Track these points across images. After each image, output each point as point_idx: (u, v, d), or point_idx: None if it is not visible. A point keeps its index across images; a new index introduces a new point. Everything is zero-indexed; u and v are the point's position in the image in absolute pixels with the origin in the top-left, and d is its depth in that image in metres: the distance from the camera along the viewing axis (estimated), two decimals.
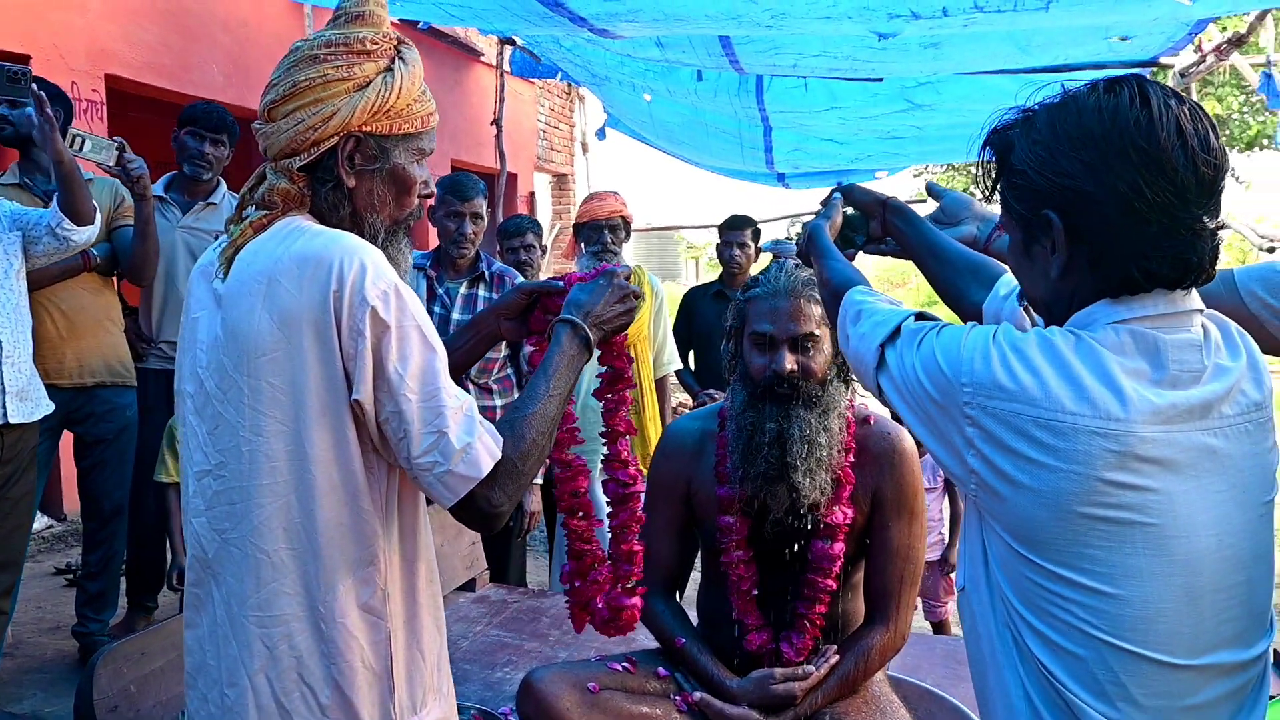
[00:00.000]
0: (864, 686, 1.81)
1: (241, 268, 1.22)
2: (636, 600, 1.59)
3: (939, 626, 3.55)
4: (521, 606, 2.73)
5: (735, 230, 4.21)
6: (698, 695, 1.78)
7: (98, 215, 2.85)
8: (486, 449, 1.19)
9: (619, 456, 1.61)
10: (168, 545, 3.50)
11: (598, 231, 3.39)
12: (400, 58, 1.28)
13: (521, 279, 3.17)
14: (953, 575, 3.58)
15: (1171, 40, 4.68)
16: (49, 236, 2.75)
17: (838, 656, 1.78)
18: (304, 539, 1.19)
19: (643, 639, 2.36)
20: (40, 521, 4.44)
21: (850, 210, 1.57)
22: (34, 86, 2.49)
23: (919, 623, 3.78)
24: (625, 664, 1.84)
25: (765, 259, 4.57)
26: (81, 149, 2.81)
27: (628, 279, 1.47)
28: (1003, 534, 1.02)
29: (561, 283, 1.53)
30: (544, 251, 3.76)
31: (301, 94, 1.23)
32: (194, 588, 1.27)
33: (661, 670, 1.85)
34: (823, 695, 1.76)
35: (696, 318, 4.20)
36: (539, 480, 3.17)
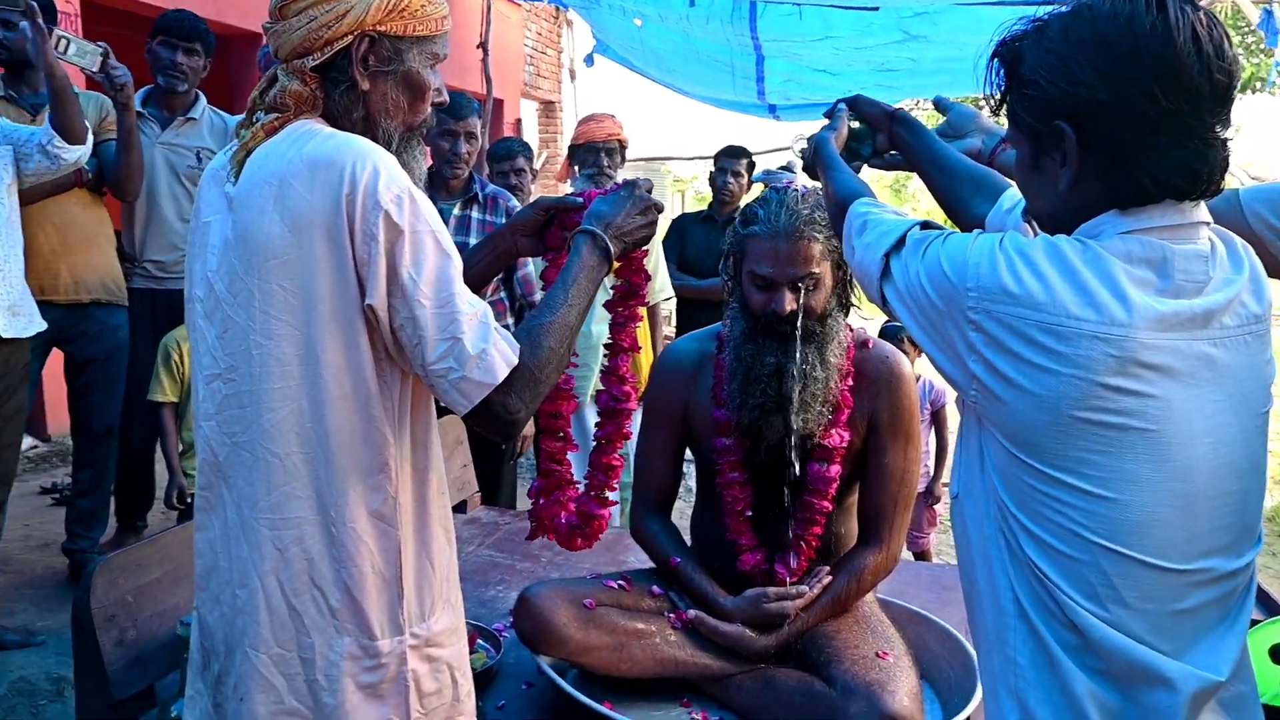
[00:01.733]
0: (855, 606, 1.84)
1: (253, 170, 1.19)
2: (606, 512, 1.60)
3: (920, 556, 3.62)
4: (513, 528, 2.75)
5: (731, 158, 4.21)
6: (692, 613, 1.80)
7: (90, 134, 2.77)
8: (502, 355, 1.19)
9: (618, 371, 1.61)
10: (156, 467, 3.49)
11: (594, 154, 3.34)
12: None
13: (514, 200, 3.13)
14: (936, 507, 3.64)
15: None
16: (40, 154, 2.67)
17: (830, 577, 1.80)
18: (315, 443, 1.18)
19: (635, 560, 2.40)
20: (25, 441, 4.40)
21: (856, 123, 1.54)
22: None
23: None
24: (620, 582, 1.86)
25: (757, 189, 4.54)
26: (66, 52, 2.72)
27: (649, 191, 1.45)
28: (1001, 439, 1.03)
29: (580, 199, 1.50)
30: (534, 176, 3.70)
31: None
32: (205, 491, 1.27)
33: (656, 589, 1.88)
34: (814, 614, 1.78)
35: (688, 243, 4.20)
36: None
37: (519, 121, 9.81)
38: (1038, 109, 1.03)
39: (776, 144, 9.82)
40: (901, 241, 1.13)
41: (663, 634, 1.78)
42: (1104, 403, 0.96)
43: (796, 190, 1.74)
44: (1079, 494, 0.98)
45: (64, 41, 2.68)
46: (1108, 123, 0.98)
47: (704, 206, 4.34)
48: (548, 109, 10.84)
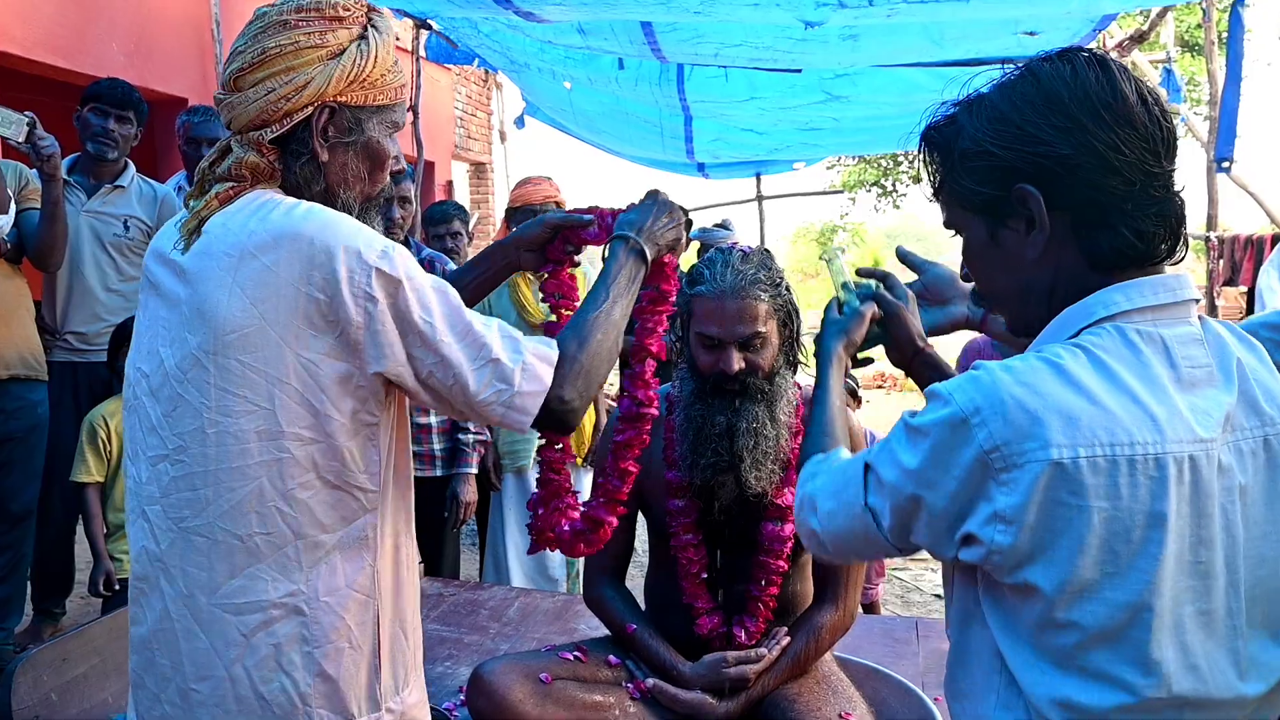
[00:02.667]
0: (814, 666, 1.83)
1: (209, 242, 1.16)
2: (613, 519, 1.57)
3: (869, 608, 3.62)
4: (458, 599, 2.67)
5: None
6: (650, 682, 1.76)
7: (11, 203, 2.67)
8: (540, 357, 1.20)
9: (643, 375, 1.58)
10: (75, 548, 3.33)
11: (531, 216, 3.33)
12: (373, 25, 1.23)
13: (451, 264, 3.10)
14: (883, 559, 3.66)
15: (1077, 36, 4.86)
16: None
17: (789, 638, 1.78)
18: (280, 521, 1.14)
19: (586, 628, 2.35)
20: None
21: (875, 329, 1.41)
22: None
23: None
24: (576, 653, 1.81)
25: (694, 247, 4.58)
26: None
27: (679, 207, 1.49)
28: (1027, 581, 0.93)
29: (588, 216, 1.52)
30: (470, 238, 3.68)
31: (272, 61, 1.17)
32: (139, 582, 1.20)
33: (612, 658, 1.84)
34: (775, 676, 1.76)
35: None
36: (473, 469, 3.11)
37: (450, 183, 9.81)
38: (992, 177, 0.99)
39: (707, 200, 10.02)
40: (867, 470, 1.04)
41: (621, 706, 1.74)
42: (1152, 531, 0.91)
43: (740, 250, 1.75)
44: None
45: None
46: (1074, 178, 0.95)
47: None
48: (479, 170, 10.87)
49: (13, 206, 2.72)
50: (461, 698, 2.05)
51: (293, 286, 1.12)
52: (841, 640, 2.02)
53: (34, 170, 2.93)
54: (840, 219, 19.56)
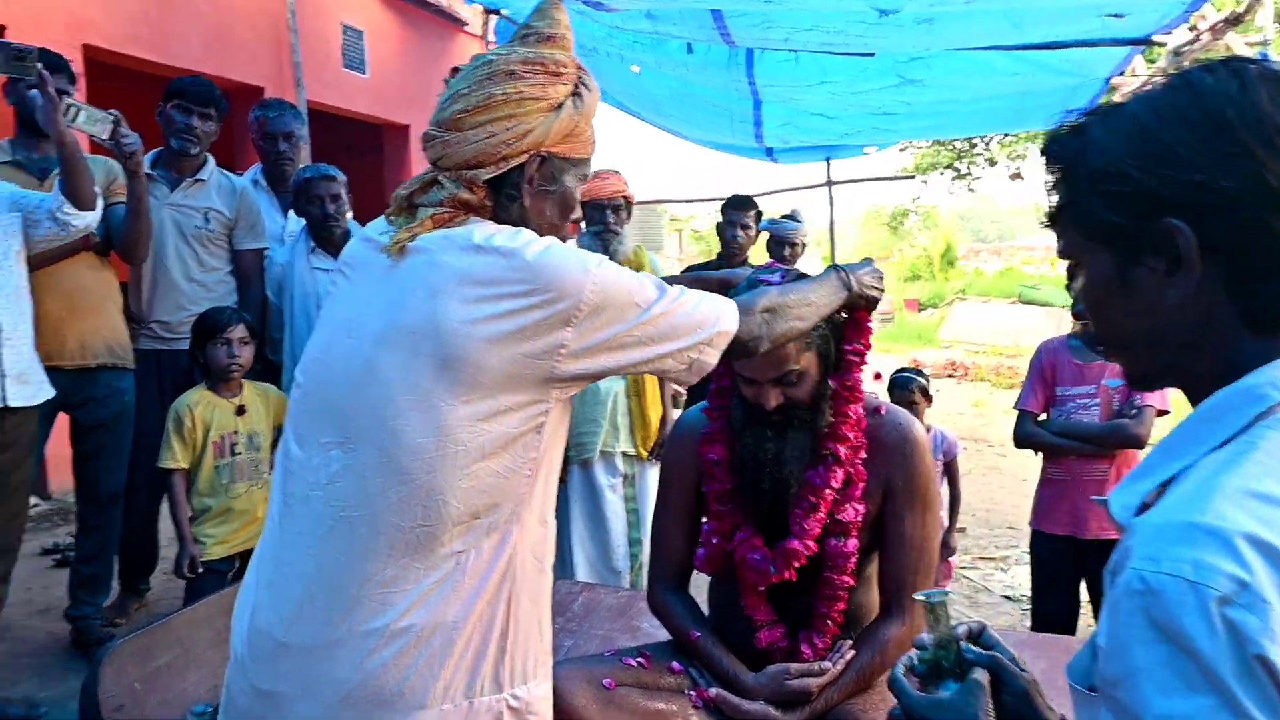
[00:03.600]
0: (880, 680, 1.80)
1: (430, 255, 1.20)
2: (804, 547, 1.75)
3: None
4: None
5: (738, 210, 4.14)
6: (713, 690, 1.76)
7: (99, 200, 2.77)
8: (717, 304, 1.32)
9: (838, 431, 1.77)
10: (160, 527, 3.45)
11: (599, 211, 3.34)
12: (583, 83, 1.30)
13: None
14: (951, 559, 3.59)
15: (1167, 18, 4.65)
16: (49, 221, 2.69)
17: (854, 652, 1.76)
18: (442, 511, 1.16)
19: (648, 625, 2.36)
20: None
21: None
22: (39, 65, 2.41)
23: None
24: (639, 659, 1.82)
25: (764, 238, 4.54)
26: (76, 119, 2.73)
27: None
28: None
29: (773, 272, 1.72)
30: None
31: (496, 107, 1.22)
32: (284, 567, 1.23)
33: (676, 665, 1.84)
34: (839, 691, 1.74)
35: None
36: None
37: None
38: (1129, 206, 0.83)
39: (775, 185, 9.89)
40: None
41: (684, 713, 1.74)
42: None
43: (769, 284, 1.71)
44: None
45: (74, 110, 2.69)
46: (1236, 217, 0.79)
47: (709, 254, 4.33)
48: None
49: (100, 202, 2.81)
50: None
51: (517, 302, 1.16)
52: (902, 647, 2.00)
53: (121, 167, 3.03)
54: (912, 202, 19.20)
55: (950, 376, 11.66)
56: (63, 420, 3.19)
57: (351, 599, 1.16)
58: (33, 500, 4.69)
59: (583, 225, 3.43)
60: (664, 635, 1.98)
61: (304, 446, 1.24)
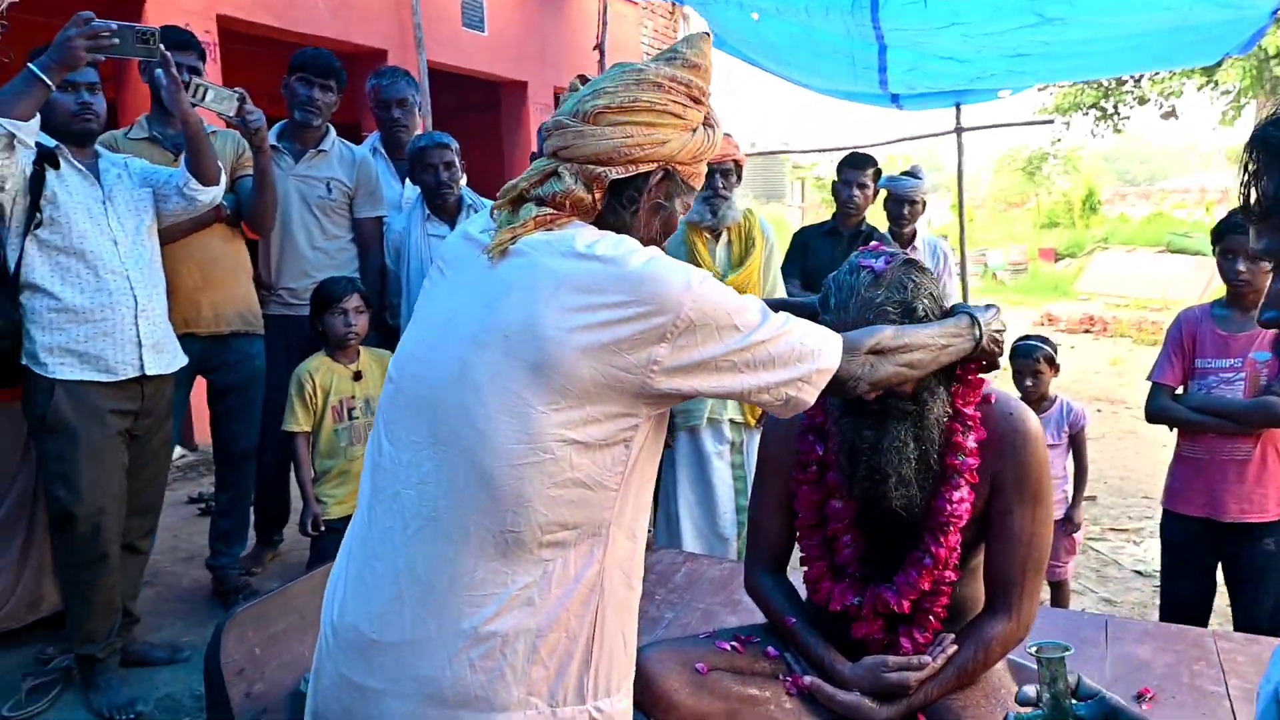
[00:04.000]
0: (983, 677, 1.74)
1: (532, 258, 1.21)
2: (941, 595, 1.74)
3: (1057, 587, 3.43)
4: None
5: (855, 169, 3.97)
6: (808, 679, 1.74)
7: (223, 175, 2.90)
8: (823, 338, 1.30)
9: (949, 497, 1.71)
10: (290, 486, 3.65)
11: (709, 175, 3.28)
12: (712, 119, 1.34)
13: None
14: (1075, 535, 3.44)
15: None
16: (177, 196, 2.82)
17: (955, 647, 1.71)
18: (532, 519, 1.17)
19: (750, 605, 2.35)
20: (174, 452, 4.68)
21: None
22: (161, 46, 2.51)
23: None
24: (734, 643, 1.81)
25: (883, 196, 4.37)
26: (203, 99, 2.85)
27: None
28: None
29: None
30: None
31: (640, 111, 1.24)
32: (374, 561, 1.25)
33: (771, 650, 1.82)
34: (939, 686, 1.69)
35: (810, 258, 4.04)
36: None
37: None
38: None
39: (901, 134, 9.51)
40: None
41: (778, 700, 1.73)
42: None
43: (870, 269, 1.63)
44: None
45: (202, 89, 2.81)
46: None
47: (832, 204, 4.17)
48: None
49: (224, 177, 2.94)
50: None
51: (615, 312, 1.16)
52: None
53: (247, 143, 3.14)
54: (1051, 145, 18.12)
55: (1087, 332, 11.07)
56: (202, 381, 3.39)
57: (440, 599, 1.18)
58: (179, 452, 5.05)
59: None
60: (764, 621, 1.96)
61: (395, 444, 1.26)
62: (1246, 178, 0.80)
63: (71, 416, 2.61)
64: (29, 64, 2.36)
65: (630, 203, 1.27)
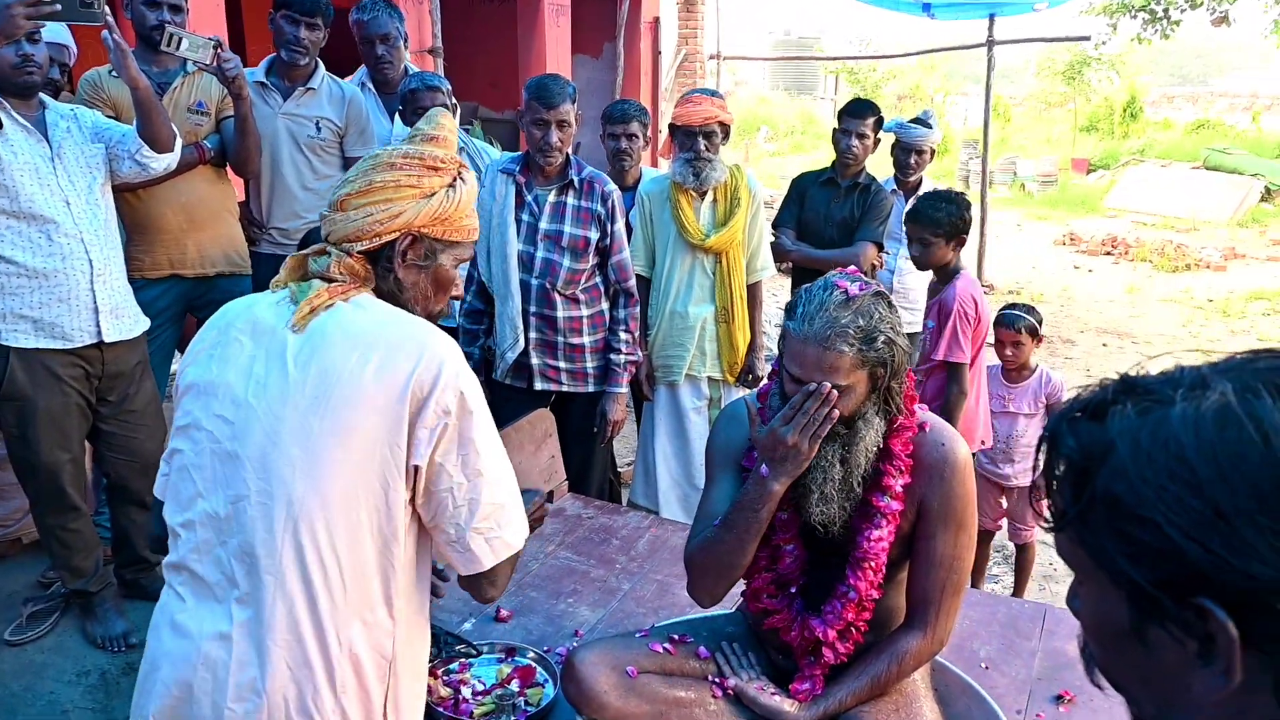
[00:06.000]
0: (893, 689, 1.84)
1: (332, 327, 1.37)
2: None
3: (1023, 549, 3.52)
4: (594, 524, 2.84)
5: (855, 118, 3.83)
6: (732, 681, 1.85)
7: (177, 140, 2.84)
8: (519, 533, 1.45)
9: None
10: None
11: (691, 137, 3.23)
12: (460, 178, 1.48)
13: (611, 184, 3.08)
14: (1044, 501, 3.50)
15: None
16: (130, 161, 2.73)
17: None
18: (338, 575, 1.32)
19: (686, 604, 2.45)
20: (177, 361, 4.78)
21: None
22: (106, 9, 2.44)
23: (1001, 541, 3.76)
24: (666, 645, 1.91)
25: (888, 142, 4.26)
26: (178, 48, 2.82)
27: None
28: None
29: None
30: (646, 142, 3.61)
31: (375, 192, 1.41)
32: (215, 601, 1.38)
33: (702, 651, 1.92)
34: (852, 695, 1.80)
35: (807, 207, 3.97)
36: (622, 389, 3.19)
37: (657, 20, 9.50)
38: (1157, 567, 0.63)
39: (929, 44, 9.12)
40: None
41: (703, 703, 1.84)
42: None
43: (844, 292, 1.64)
44: None
45: (175, 38, 2.77)
46: None
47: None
48: (688, 2, 10.42)
49: (178, 143, 2.85)
50: (577, 641, 2.24)
51: (400, 381, 1.34)
52: (958, 624, 1.98)
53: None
54: (1095, 49, 17.35)
55: (1108, 254, 10.86)
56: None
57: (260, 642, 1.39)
58: None
59: (677, 148, 3.33)
60: (702, 616, 2.06)
61: (209, 498, 1.39)
62: (1047, 481, 0.71)
63: (27, 385, 2.61)
64: None
65: (386, 270, 1.44)
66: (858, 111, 3.86)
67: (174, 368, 3.52)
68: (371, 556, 1.34)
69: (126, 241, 3.03)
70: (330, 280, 1.41)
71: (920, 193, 4.07)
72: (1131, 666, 0.69)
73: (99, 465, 2.99)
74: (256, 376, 1.37)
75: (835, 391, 1.64)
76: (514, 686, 2.06)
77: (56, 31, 3.00)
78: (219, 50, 2.86)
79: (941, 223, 3.01)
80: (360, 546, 1.33)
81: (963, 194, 3.17)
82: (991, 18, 8.56)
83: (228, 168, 3.32)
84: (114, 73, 2.96)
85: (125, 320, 2.77)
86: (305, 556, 1.31)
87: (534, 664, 2.12)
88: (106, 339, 2.71)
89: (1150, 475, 0.63)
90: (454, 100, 3.51)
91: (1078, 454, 0.68)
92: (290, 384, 1.34)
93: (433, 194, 1.43)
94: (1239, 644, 0.60)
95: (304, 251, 1.47)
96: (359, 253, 1.41)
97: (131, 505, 2.97)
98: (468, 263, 1.56)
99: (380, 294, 1.45)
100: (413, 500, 1.37)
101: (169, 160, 2.82)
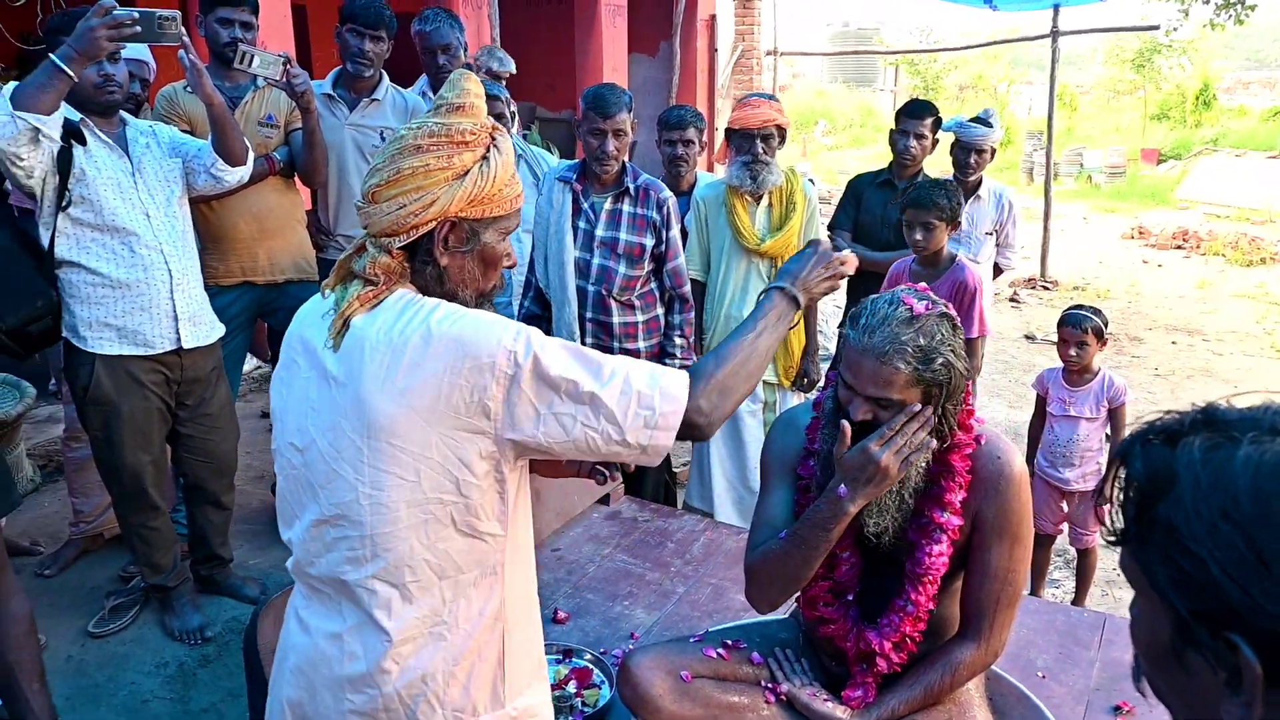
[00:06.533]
0: (946, 699, 1.85)
1: (360, 339, 1.33)
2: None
3: (1084, 554, 3.48)
4: (650, 528, 2.88)
5: (913, 118, 3.81)
6: (785, 687, 1.87)
7: (250, 155, 2.93)
8: (674, 378, 1.35)
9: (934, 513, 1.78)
10: None
11: (749, 140, 3.25)
12: (495, 145, 1.37)
13: (666, 191, 3.12)
14: (1106, 506, 3.45)
15: None
16: (205, 174, 2.83)
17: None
18: (427, 570, 1.35)
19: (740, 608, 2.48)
20: (248, 364, 4.93)
21: None
22: (183, 30, 2.54)
23: (1063, 545, 3.71)
24: (720, 650, 1.94)
25: (948, 141, 4.22)
26: (249, 65, 2.92)
27: (837, 250, 1.62)
28: None
29: None
30: (703, 148, 3.63)
31: (404, 180, 1.33)
32: (303, 613, 1.46)
33: (756, 656, 1.95)
34: (905, 704, 1.81)
35: (864, 209, 3.96)
36: None
37: (714, 18, 9.49)
38: (1197, 598, 0.67)
39: (992, 35, 8.93)
40: None
41: (756, 708, 1.87)
42: None
43: (909, 308, 1.66)
44: None
45: (247, 56, 2.88)
46: None
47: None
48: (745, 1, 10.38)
49: (251, 157, 2.95)
50: (632, 644, 2.29)
51: (439, 378, 1.28)
52: (1014, 633, 1.98)
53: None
54: (1166, 35, 16.83)
55: (1179, 248, 10.56)
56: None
57: (368, 642, 1.41)
58: (255, 363, 5.32)
59: (733, 152, 3.35)
60: (756, 620, 2.09)
61: (293, 526, 1.44)
62: (1110, 493, 0.76)
63: (111, 390, 2.72)
64: (50, 55, 2.38)
65: (426, 261, 1.37)
66: (915, 112, 3.84)
67: (245, 370, 3.65)
68: (460, 547, 1.35)
69: (202, 250, 3.14)
70: (368, 281, 1.36)
71: (980, 191, 4.05)
72: (1170, 683, 0.74)
73: (176, 466, 3.11)
74: (311, 402, 1.38)
75: (935, 416, 1.67)
76: (571, 688, 2.12)
77: (136, 49, 3.13)
78: (288, 66, 2.95)
79: (944, 208, 3.16)
80: (444, 543, 1.34)
81: (951, 180, 3.38)
82: (1056, 8, 8.40)
83: (295, 178, 3.43)
84: (189, 89, 3.08)
85: (203, 327, 2.88)
86: (391, 570, 1.34)
87: (591, 666, 2.18)
88: (185, 345, 2.81)
89: (1205, 512, 0.66)
90: (513, 108, 3.57)
91: (1144, 478, 0.71)
92: (337, 409, 1.34)
93: (465, 172, 1.34)
94: (1262, 681, 0.64)
95: (348, 250, 1.42)
96: (399, 248, 1.35)
97: (208, 504, 3.10)
98: (516, 231, 1.48)
99: (422, 286, 1.39)
100: (538, 463, 1.40)
101: (242, 173, 2.92)
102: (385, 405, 1.29)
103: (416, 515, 1.32)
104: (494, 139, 1.38)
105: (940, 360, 1.64)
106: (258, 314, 3.44)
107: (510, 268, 1.46)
